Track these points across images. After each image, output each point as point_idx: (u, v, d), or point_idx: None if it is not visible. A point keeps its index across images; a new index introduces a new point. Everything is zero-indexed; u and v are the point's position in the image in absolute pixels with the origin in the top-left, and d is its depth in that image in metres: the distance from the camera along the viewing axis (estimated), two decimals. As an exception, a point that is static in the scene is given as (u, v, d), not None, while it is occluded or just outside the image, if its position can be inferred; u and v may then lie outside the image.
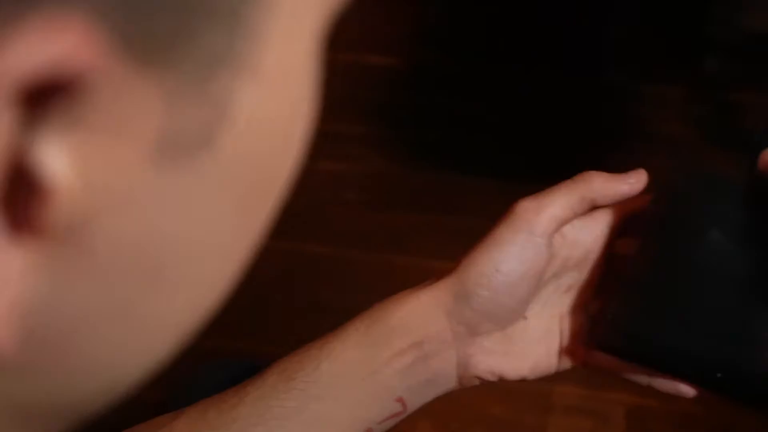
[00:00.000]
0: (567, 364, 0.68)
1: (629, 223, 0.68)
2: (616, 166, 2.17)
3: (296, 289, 1.94)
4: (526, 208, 0.63)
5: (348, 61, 2.48)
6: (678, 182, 0.68)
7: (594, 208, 0.67)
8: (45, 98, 0.20)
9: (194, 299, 0.28)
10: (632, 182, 0.66)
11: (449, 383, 0.65)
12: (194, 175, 0.24)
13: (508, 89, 2.38)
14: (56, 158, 0.20)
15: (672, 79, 2.39)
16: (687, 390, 0.65)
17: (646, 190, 0.69)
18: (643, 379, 0.67)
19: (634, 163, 1.99)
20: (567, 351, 0.68)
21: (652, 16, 2.53)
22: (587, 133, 2.28)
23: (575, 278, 0.68)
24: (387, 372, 0.62)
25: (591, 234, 0.68)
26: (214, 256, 0.27)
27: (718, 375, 0.61)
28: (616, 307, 0.64)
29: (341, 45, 2.50)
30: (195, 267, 0.26)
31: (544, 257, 0.64)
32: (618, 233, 0.68)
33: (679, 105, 2.32)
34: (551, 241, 0.64)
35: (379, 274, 1.94)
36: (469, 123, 2.30)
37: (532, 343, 0.66)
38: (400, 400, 0.62)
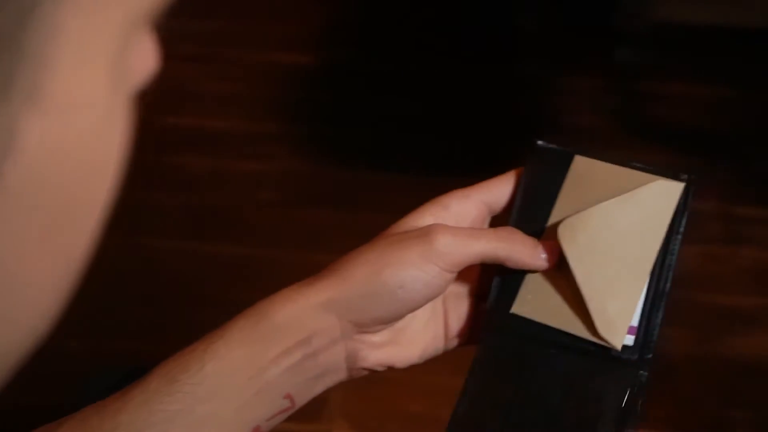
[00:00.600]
0: (454, 343, 0.69)
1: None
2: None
3: (211, 290, 1.93)
4: (447, 246, 0.61)
5: (261, 60, 2.47)
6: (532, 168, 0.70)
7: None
8: None
9: (13, 325, 0.28)
10: (544, 259, 0.65)
11: (338, 376, 0.64)
12: None
13: (422, 84, 2.40)
14: None
15: (585, 71, 2.43)
16: None
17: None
18: None
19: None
20: (458, 334, 0.68)
21: (564, 8, 2.58)
22: (502, 124, 2.30)
23: None
24: (274, 370, 0.60)
25: (474, 217, 0.68)
26: (26, 282, 0.27)
27: None
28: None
29: (254, 45, 2.51)
30: (8, 293, 0.27)
31: (450, 282, 0.64)
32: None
33: (592, 95, 2.36)
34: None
35: (297, 273, 1.92)
36: (383, 119, 2.31)
37: (419, 330, 0.66)
38: (288, 396, 0.61)
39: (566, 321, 0.65)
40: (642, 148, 2.21)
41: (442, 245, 0.61)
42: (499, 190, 0.69)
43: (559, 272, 0.66)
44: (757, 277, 1.92)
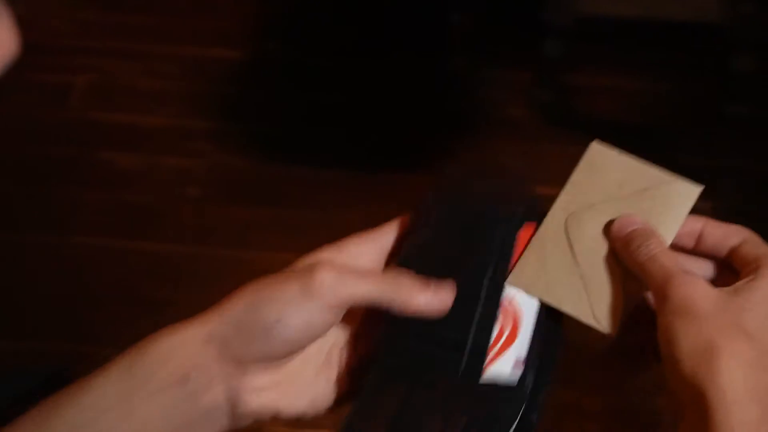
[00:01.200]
0: (345, 398, 0.64)
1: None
2: (464, 149, 2.22)
3: (139, 288, 1.92)
4: (329, 283, 0.59)
5: (191, 54, 2.46)
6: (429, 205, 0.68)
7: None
8: None
9: None
10: (432, 303, 0.62)
11: (220, 422, 0.60)
12: None
13: (354, 78, 2.40)
14: None
15: (514, 64, 2.45)
16: None
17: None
18: None
19: (479, 146, 2.03)
20: (338, 382, 0.64)
21: (492, 2, 2.59)
22: (434, 118, 2.31)
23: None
24: (147, 410, 0.57)
25: (369, 259, 0.66)
26: None
27: None
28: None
29: (183, 39, 2.49)
30: None
31: (333, 322, 0.61)
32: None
33: (521, 89, 2.38)
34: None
35: (224, 270, 1.93)
36: (313, 115, 2.31)
37: (310, 378, 0.63)
38: None
39: (561, 299, 0.64)
40: (571, 141, 2.22)
41: (323, 282, 0.59)
42: (395, 235, 0.66)
43: (562, 256, 0.66)
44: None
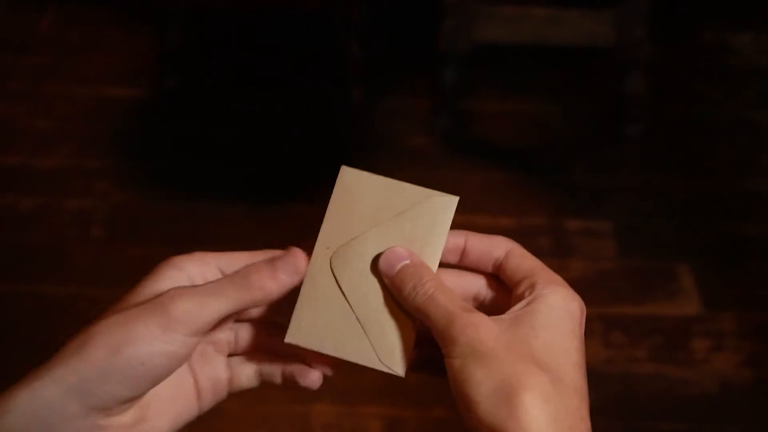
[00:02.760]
0: (209, 401, 0.64)
1: None
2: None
3: (39, 333, 1.88)
4: (186, 312, 0.57)
5: (88, 94, 2.43)
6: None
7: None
8: None
9: None
10: (287, 280, 0.62)
11: None
12: None
13: (252, 111, 2.39)
14: None
15: (412, 93, 2.47)
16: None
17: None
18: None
19: (383, 174, 2.02)
20: (213, 389, 0.64)
21: (388, 34, 2.62)
22: (334, 149, 2.32)
23: None
24: None
25: (208, 277, 0.63)
26: None
27: None
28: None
29: (77, 78, 2.46)
30: None
31: (196, 346, 0.60)
32: None
33: (420, 117, 2.40)
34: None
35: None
36: (213, 149, 2.30)
37: (167, 401, 0.61)
38: None
39: (344, 349, 0.62)
40: (473, 167, 2.26)
41: (180, 312, 0.57)
42: (237, 262, 0.63)
43: (335, 299, 0.63)
44: (585, 287, 1.98)
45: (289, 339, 0.62)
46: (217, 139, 2.33)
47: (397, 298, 0.61)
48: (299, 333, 0.62)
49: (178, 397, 0.62)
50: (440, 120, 2.36)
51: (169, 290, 0.58)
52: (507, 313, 0.59)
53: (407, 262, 0.62)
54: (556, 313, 0.58)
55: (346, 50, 2.37)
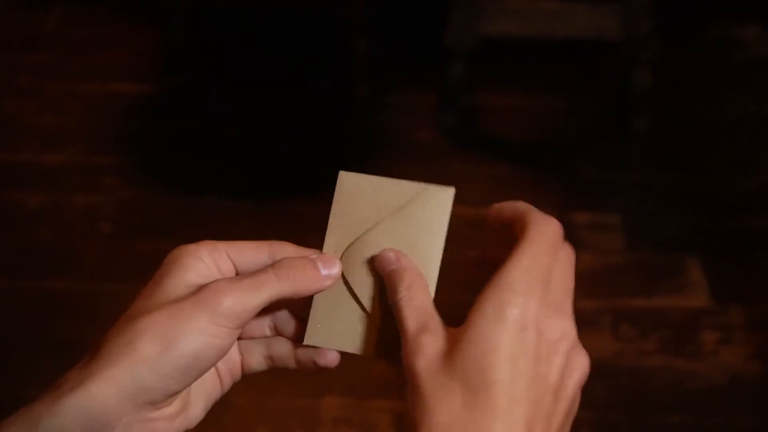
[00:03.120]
0: (229, 382, 0.67)
1: None
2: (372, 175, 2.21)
3: (49, 329, 1.88)
4: (233, 306, 0.59)
5: (95, 91, 2.43)
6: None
7: None
8: None
9: None
10: (328, 276, 0.64)
11: None
12: None
13: (259, 110, 2.40)
14: None
15: (419, 89, 2.47)
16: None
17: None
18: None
19: (387, 171, 2.03)
20: (231, 371, 0.67)
21: (395, 30, 2.62)
22: (341, 145, 2.32)
23: None
24: None
25: (224, 267, 0.65)
26: None
27: None
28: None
29: (87, 76, 2.47)
30: None
31: (234, 340, 0.61)
32: None
33: (427, 113, 2.40)
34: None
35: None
36: (219, 146, 2.30)
37: (200, 384, 0.63)
38: None
39: (365, 345, 0.64)
40: (478, 161, 2.26)
41: (227, 307, 0.58)
42: (250, 255, 0.64)
43: (346, 300, 0.65)
44: (593, 280, 1.99)
45: (308, 341, 0.65)
46: (222, 136, 2.33)
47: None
48: (317, 334, 0.65)
49: (206, 381, 0.64)
50: (446, 115, 2.36)
51: (211, 284, 0.60)
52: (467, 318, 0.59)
53: (393, 267, 0.63)
54: (488, 326, 0.57)
55: (352, 47, 2.37)
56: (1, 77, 2.50)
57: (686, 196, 2.21)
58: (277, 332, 0.67)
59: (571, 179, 2.24)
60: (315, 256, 0.64)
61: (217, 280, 0.60)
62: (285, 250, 0.65)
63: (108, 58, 2.56)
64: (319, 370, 0.67)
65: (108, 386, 0.56)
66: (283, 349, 0.67)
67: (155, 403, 0.58)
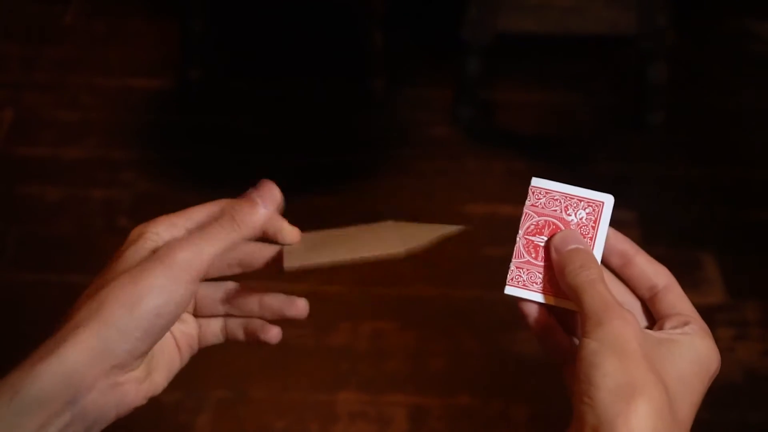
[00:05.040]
0: (187, 355, 0.70)
1: None
2: (387, 170, 2.24)
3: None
4: (189, 259, 0.61)
5: (111, 85, 2.44)
6: None
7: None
8: None
9: None
10: (263, 209, 0.68)
11: (106, 422, 0.62)
12: None
13: (277, 103, 2.40)
14: None
15: (437, 83, 2.48)
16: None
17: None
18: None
19: (402, 166, 2.04)
20: (189, 344, 0.70)
21: (411, 24, 2.63)
22: (357, 140, 2.33)
23: None
24: None
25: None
26: None
27: None
28: None
29: (102, 69, 2.48)
30: None
31: (194, 295, 0.65)
32: None
33: (443, 107, 2.41)
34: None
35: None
36: (235, 140, 2.31)
37: (160, 354, 0.66)
38: None
39: (342, 252, 0.67)
40: (494, 157, 2.26)
41: (181, 260, 0.61)
42: (202, 218, 0.67)
43: (319, 235, 0.69)
44: (608, 276, 1.99)
45: (287, 265, 0.66)
46: (240, 129, 2.34)
47: (558, 271, 0.64)
48: (293, 257, 0.66)
49: (165, 351, 0.67)
50: (463, 110, 2.37)
51: (166, 243, 0.63)
52: (654, 330, 0.62)
53: (581, 246, 0.65)
54: (698, 354, 0.60)
55: (368, 40, 2.38)
56: (19, 71, 2.51)
57: (702, 191, 2.21)
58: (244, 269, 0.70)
59: (587, 174, 2.24)
60: (254, 192, 0.68)
61: (170, 240, 0.64)
62: (233, 203, 0.68)
63: (126, 51, 2.57)
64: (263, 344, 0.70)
65: (79, 350, 0.59)
66: (236, 322, 0.71)
67: (123, 367, 0.60)
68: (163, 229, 0.65)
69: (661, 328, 0.63)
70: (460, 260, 1.99)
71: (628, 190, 2.20)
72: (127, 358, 0.60)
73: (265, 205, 0.68)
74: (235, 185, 2.40)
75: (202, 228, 0.65)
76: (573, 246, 0.65)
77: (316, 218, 2.16)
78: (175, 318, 0.62)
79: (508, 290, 0.66)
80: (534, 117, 2.41)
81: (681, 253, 2.05)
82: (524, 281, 0.66)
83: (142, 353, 0.61)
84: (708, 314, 1.91)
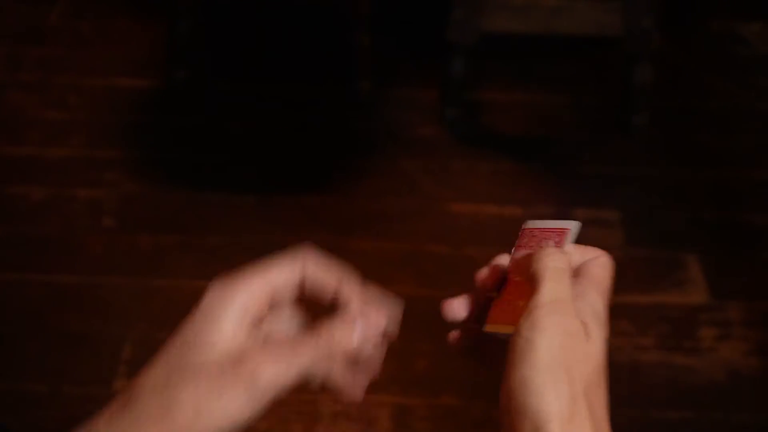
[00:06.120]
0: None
1: None
2: (374, 171, 2.24)
3: (49, 322, 1.89)
4: (271, 382, 0.60)
5: (98, 85, 2.44)
6: None
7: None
8: None
9: None
10: (361, 345, 0.65)
11: None
12: None
13: (263, 104, 2.40)
14: None
15: (423, 84, 2.48)
16: None
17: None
18: None
19: (390, 167, 2.05)
20: None
21: (397, 25, 2.63)
22: (343, 141, 2.33)
23: None
24: None
25: (260, 301, 0.66)
26: None
27: None
28: None
29: (88, 69, 2.47)
30: None
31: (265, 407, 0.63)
32: None
33: (430, 108, 2.41)
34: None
35: (138, 299, 1.92)
36: (221, 140, 2.31)
37: None
38: None
39: None
40: (480, 157, 2.27)
41: (266, 382, 0.60)
42: (283, 280, 0.66)
43: None
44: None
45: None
46: (226, 130, 2.34)
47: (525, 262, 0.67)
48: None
49: None
50: (449, 110, 2.37)
51: (250, 357, 0.61)
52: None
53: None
54: (597, 280, 0.67)
55: (355, 41, 2.38)
56: (4, 71, 2.50)
57: (686, 193, 2.22)
58: None
59: (572, 175, 2.25)
60: (359, 320, 0.65)
61: (257, 352, 0.61)
62: (313, 267, 0.66)
63: (112, 52, 2.57)
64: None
65: None
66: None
67: None
68: (243, 298, 0.63)
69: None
70: (444, 260, 2.00)
71: (612, 191, 2.21)
72: None
73: (363, 341, 0.65)
74: (221, 186, 2.40)
75: (292, 345, 0.63)
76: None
77: (304, 218, 2.17)
78: (245, 429, 0.61)
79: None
80: (520, 118, 2.42)
81: (664, 254, 2.06)
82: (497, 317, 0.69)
83: None
84: (691, 314, 1.93)
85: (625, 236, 2.09)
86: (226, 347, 0.62)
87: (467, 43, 2.27)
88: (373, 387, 1.88)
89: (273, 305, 0.66)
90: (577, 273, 0.67)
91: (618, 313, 1.93)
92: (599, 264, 0.68)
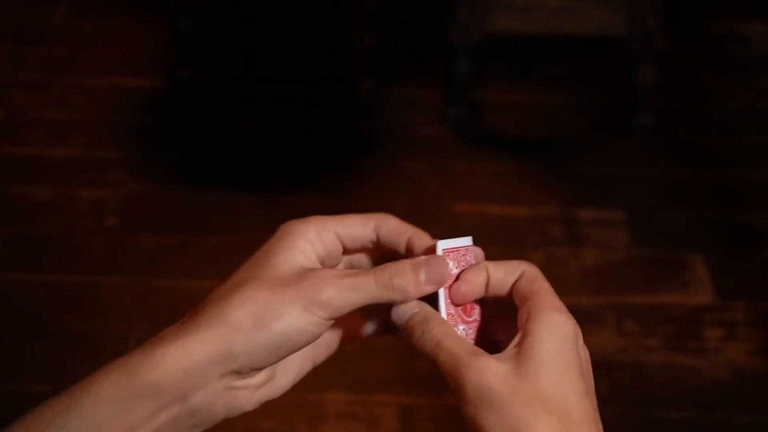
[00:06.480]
0: (323, 356, 0.68)
1: None
2: (376, 170, 2.24)
3: (51, 321, 1.89)
4: (331, 299, 0.60)
5: (101, 85, 2.44)
6: None
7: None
8: None
9: None
10: (426, 288, 0.63)
11: (214, 422, 0.62)
12: None
13: (266, 104, 2.40)
14: None
15: (425, 84, 2.48)
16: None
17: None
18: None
19: (391, 166, 2.05)
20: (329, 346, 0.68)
21: (400, 25, 2.63)
22: (345, 140, 2.33)
23: None
24: (147, 427, 0.58)
25: (331, 247, 0.66)
26: None
27: None
28: None
29: (91, 69, 2.47)
30: None
31: (325, 329, 0.62)
32: None
33: (432, 108, 2.41)
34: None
35: (139, 299, 1.92)
36: (225, 140, 2.31)
37: (291, 360, 0.64)
38: None
39: None
40: (482, 157, 2.27)
41: (325, 299, 0.60)
42: (356, 229, 0.66)
43: None
44: (597, 276, 1.99)
45: None
46: (229, 129, 2.34)
47: (409, 345, 0.64)
48: None
49: (298, 356, 0.65)
50: (451, 110, 2.37)
51: (316, 273, 0.61)
52: (509, 348, 0.60)
53: (416, 310, 0.63)
54: (554, 345, 0.59)
55: (357, 41, 2.38)
56: (8, 71, 2.50)
57: (690, 192, 2.21)
58: None
59: (575, 175, 2.24)
60: (423, 258, 0.64)
61: (321, 270, 0.62)
62: (389, 224, 0.66)
63: (114, 52, 2.56)
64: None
65: (201, 346, 0.59)
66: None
67: (241, 374, 0.60)
68: (314, 235, 0.64)
69: (520, 324, 0.61)
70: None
71: (616, 191, 2.21)
72: (247, 368, 0.60)
73: (430, 285, 0.63)
74: (223, 186, 2.40)
75: (356, 273, 0.62)
76: (408, 315, 0.64)
77: (305, 215, 2.15)
78: (303, 346, 0.61)
79: None
80: (522, 118, 2.41)
81: (669, 254, 2.05)
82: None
83: (264, 367, 0.61)
84: (696, 315, 1.92)
85: (629, 237, 2.08)
86: (292, 268, 0.62)
87: (470, 43, 2.27)
88: (377, 387, 1.89)
89: (346, 251, 0.67)
90: (517, 297, 0.63)
91: (623, 314, 1.93)
92: (529, 278, 0.64)
